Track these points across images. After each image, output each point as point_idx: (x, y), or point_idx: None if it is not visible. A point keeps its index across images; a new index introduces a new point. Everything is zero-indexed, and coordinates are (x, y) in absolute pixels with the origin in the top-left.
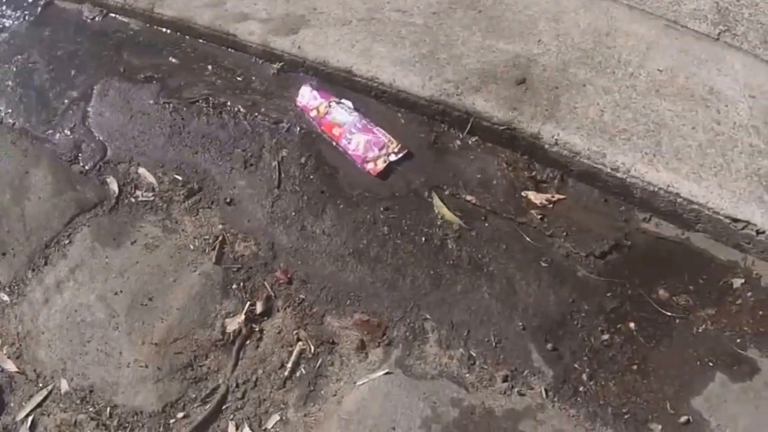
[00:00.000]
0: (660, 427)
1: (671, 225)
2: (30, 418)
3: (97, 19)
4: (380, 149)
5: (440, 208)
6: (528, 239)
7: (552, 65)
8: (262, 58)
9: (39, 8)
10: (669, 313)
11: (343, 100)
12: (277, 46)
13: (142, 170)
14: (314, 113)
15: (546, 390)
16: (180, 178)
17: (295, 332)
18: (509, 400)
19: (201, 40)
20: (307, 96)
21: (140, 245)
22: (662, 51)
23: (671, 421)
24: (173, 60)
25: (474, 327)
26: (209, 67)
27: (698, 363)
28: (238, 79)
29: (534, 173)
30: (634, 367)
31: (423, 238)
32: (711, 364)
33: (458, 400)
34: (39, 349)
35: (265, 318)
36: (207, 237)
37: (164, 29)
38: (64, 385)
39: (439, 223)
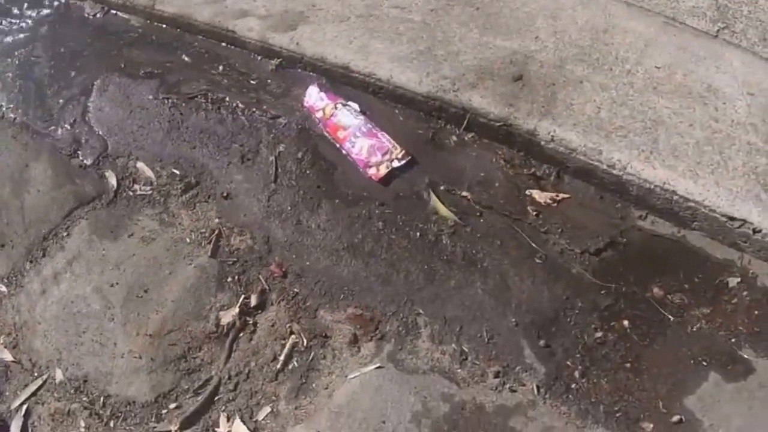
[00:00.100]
0: (652, 426)
1: (667, 223)
2: (24, 407)
3: (98, 15)
4: (383, 154)
5: (436, 203)
6: (523, 236)
7: (549, 62)
8: (261, 54)
9: (42, 5)
10: (663, 312)
11: (349, 103)
12: (276, 42)
13: (140, 164)
14: (320, 114)
15: (538, 387)
16: (178, 172)
17: (288, 325)
18: (500, 396)
19: (201, 37)
20: (314, 96)
21: (137, 238)
22: (660, 48)
23: (663, 420)
24: (173, 56)
25: (467, 322)
26: (208, 63)
27: (692, 362)
28: (237, 75)
29: (531, 170)
30: (627, 365)
31: (418, 234)
32: (705, 363)
33: (449, 395)
34: (35, 339)
35: (259, 311)
36: (203, 230)
37: (164, 26)
38: (59, 375)
39: (434, 218)
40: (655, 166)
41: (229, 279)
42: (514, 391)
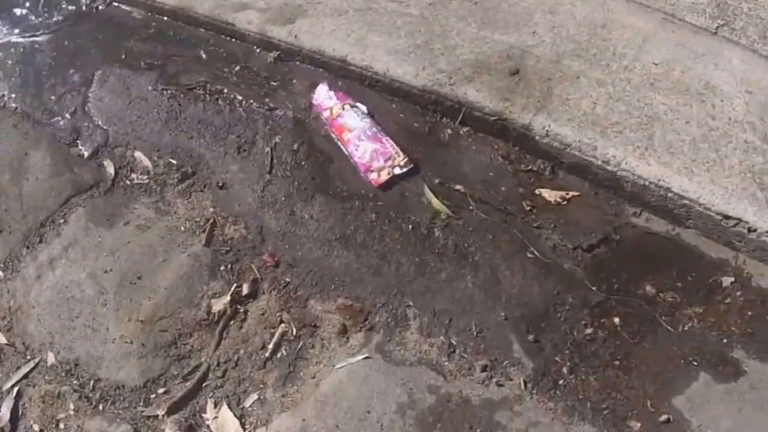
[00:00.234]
0: (639, 424)
1: (662, 220)
2: (16, 389)
3: (101, 7)
4: (386, 160)
5: (429, 196)
6: (515, 230)
7: (546, 57)
8: (260, 46)
9: None
10: (655, 310)
11: (357, 104)
12: (274, 35)
13: (138, 154)
14: (327, 113)
15: (525, 381)
16: (175, 162)
17: (278, 314)
18: (487, 390)
19: (201, 29)
20: (323, 95)
21: (133, 226)
22: (658, 44)
23: (651, 419)
24: (173, 48)
25: (456, 315)
26: (207, 55)
27: (682, 361)
28: (236, 67)
29: (528, 167)
30: (616, 362)
31: (410, 226)
32: (695, 363)
33: (435, 388)
34: (29, 323)
35: (251, 300)
36: (198, 219)
37: (165, 18)
38: (51, 358)
39: (427, 211)
40: (650, 163)
41: (222, 268)
42: (501, 385)
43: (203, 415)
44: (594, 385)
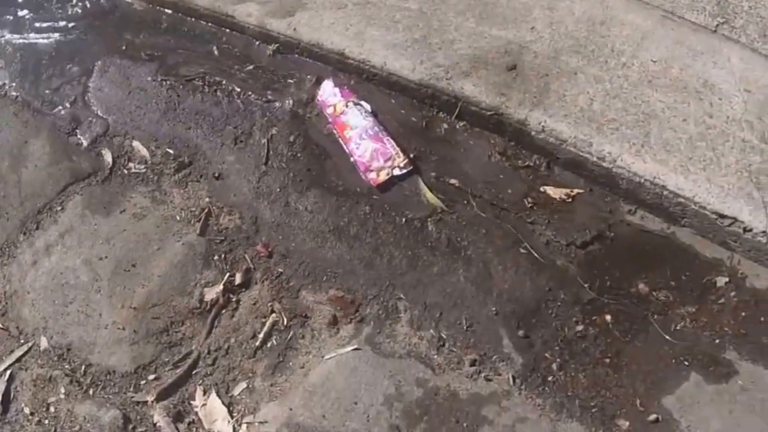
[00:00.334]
0: (628, 423)
1: (657, 218)
2: (8, 372)
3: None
4: (386, 160)
5: (424, 190)
6: (508, 225)
7: (544, 53)
8: (259, 39)
9: None
10: (647, 308)
11: (362, 102)
12: (274, 27)
13: (136, 143)
14: (330, 110)
15: (513, 377)
16: (172, 152)
17: (270, 304)
18: (475, 385)
19: (201, 21)
20: (328, 92)
21: (129, 214)
22: (657, 42)
23: (640, 418)
24: (173, 39)
25: (447, 309)
26: (207, 46)
27: (673, 361)
28: (235, 59)
29: (522, 161)
30: (607, 360)
31: (403, 219)
32: (686, 363)
33: (423, 381)
34: (23, 308)
35: (243, 289)
36: (193, 209)
37: (166, 9)
38: (44, 343)
39: (421, 204)
40: (645, 160)
41: (216, 257)
42: (490, 380)
43: (192, 402)
44: (583, 382)
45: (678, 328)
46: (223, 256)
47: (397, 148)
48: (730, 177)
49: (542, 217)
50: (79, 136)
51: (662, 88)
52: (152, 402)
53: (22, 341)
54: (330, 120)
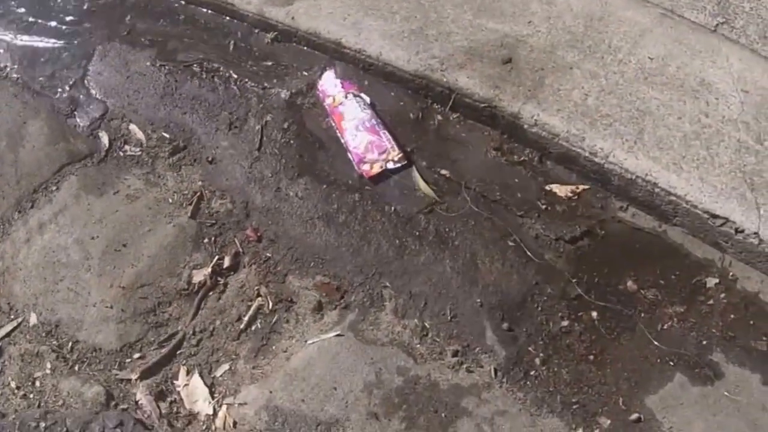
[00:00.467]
0: (609, 421)
1: (648, 216)
2: None
3: None
4: (380, 153)
5: (417, 180)
6: (496, 218)
7: (540, 47)
8: (258, 27)
9: None
10: (635, 307)
11: (361, 95)
12: (272, 16)
13: (132, 126)
14: (330, 100)
15: (495, 370)
16: (167, 135)
17: (256, 288)
18: (456, 375)
19: (201, 8)
20: (329, 82)
21: (122, 195)
22: (655, 39)
23: (621, 417)
24: (173, 26)
25: (432, 299)
26: (207, 33)
27: (658, 361)
28: (234, 46)
29: (517, 156)
30: (591, 357)
31: (393, 209)
32: (672, 363)
33: (404, 369)
34: (15, 284)
35: (231, 273)
36: (186, 192)
37: None
38: (33, 319)
39: (413, 196)
40: (638, 157)
41: (206, 240)
42: (471, 371)
43: (175, 381)
44: (566, 378)
45: (665, 327)
46: (213, 239)
47: (393, 142)
48: (723, 177)
49: (532, 210)
50: (77, 118)
51: (658, 85)
52: (136, 380)
53: (12, 317)
54: (328, 110)
